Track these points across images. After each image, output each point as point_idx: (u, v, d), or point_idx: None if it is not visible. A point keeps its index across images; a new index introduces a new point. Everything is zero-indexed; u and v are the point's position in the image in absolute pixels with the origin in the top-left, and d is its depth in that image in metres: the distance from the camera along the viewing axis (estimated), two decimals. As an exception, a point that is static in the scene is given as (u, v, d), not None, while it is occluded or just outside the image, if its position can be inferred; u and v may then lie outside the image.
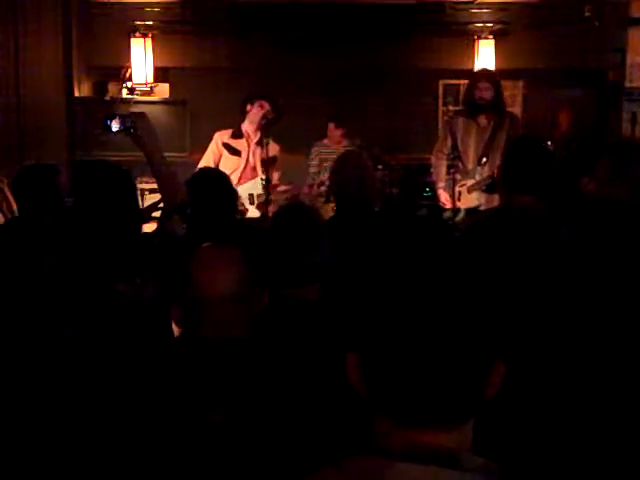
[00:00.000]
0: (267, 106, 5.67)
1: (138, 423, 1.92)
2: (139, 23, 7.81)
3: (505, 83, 6.03)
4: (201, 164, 5.53)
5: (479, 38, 7.94)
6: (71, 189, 3.08)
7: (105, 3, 7.80)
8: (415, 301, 1.01)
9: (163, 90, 8.04)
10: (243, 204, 5.45)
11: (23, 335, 2.41)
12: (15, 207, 4.03)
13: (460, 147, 5.45)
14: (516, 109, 7.56)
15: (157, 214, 3.78)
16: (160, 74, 7.94)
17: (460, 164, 5.44)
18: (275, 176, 5.67)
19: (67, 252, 2.74)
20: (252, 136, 5.74)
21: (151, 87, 7.91)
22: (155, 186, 3.66)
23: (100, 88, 8.02)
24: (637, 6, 7.69)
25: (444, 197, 5.51)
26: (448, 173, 5.37)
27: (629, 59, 7.79)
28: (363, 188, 3.57)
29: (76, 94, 7.73)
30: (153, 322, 2.76)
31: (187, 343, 2.07)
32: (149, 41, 7.80)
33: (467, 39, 7.98)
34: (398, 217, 5.01)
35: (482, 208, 5.30)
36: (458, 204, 5.38)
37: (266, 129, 5.59)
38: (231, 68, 7.89)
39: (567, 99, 7.72)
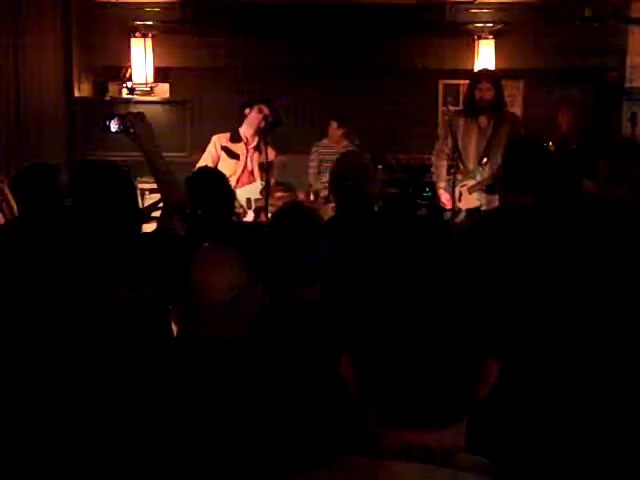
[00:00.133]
0: (266, 110, 5.65)
1: (138, 423, 1.92)
2: (139, 23, 7.82)
3: (505, 83, 6.01)
4: (199, 166, 5.52)
5: (479, 38, 7.94)
6: (71, 189, 3.08)
7: (105, 3, 7.81)
8: (407, 301, 1.01)
9: (163, 90, 8.04)
10: (242, 206, 5.44)
11: (24, 334, 2.41)
12: (15, 207, 4.03)
13: (460, 147, 5.43)
14: (516, 109, 7.56)
15: (157, 214, 3.78)
16: (160, 74, 7.95)
17: (461, 164, 5.43)
18: (271, 181, 5.67)
19: (67, 252, 2.74)
20: (250, 140, 5.73)
21: (151, 87, 7.91)
22: (155, 186, 3.66)
23: (100, 88, 8.02)
24: (637, 6, 7.69)
25: (445, 197, 5.49)
26: (449, 173, 5.34)
27: (629, 59, 7.80)
28: (363, 188, 3.57)
29: (76, 94, 7.74)
30: (153, 322, 2.77)
31: (186, 343, 2.07)
32: (149, 41, 7.81)
33: (467, 39, 7.99)
34: (398, 217, 5.01)
35: (483, 209, 5.29)
36: (459, 205, 5.37)
37: (264, 133, 5.58)
38: (231, 68, 7.90)
39: (567, 99, 7.72)
